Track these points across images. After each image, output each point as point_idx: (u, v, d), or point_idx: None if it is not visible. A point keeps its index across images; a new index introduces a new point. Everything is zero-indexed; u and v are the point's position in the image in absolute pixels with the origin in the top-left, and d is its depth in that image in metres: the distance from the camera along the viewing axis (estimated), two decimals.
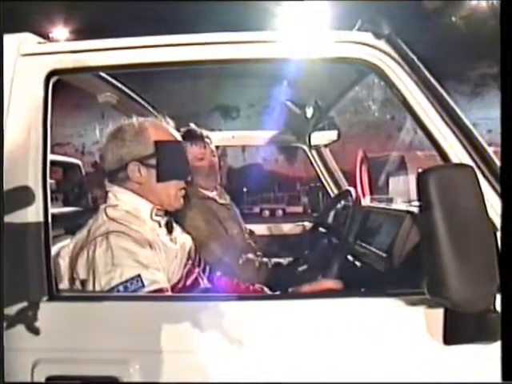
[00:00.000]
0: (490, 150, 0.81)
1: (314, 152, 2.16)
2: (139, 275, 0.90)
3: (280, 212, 11.87)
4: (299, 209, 11.68)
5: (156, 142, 1.06)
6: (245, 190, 10.84)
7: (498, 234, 0.78)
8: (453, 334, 0.72)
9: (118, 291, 0.88)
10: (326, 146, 2.05)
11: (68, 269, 0.96)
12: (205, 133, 1.64)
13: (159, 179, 1.06)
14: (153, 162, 1.05)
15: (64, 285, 0.95)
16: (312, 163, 2.20)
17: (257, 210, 11.57)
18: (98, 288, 0.90)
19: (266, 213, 11.80)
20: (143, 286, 0.89)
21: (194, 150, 1.56)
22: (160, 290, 0.92)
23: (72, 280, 0.95)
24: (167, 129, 1.12)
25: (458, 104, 0.84)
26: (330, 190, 2.18)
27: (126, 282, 0.89)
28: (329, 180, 2.19)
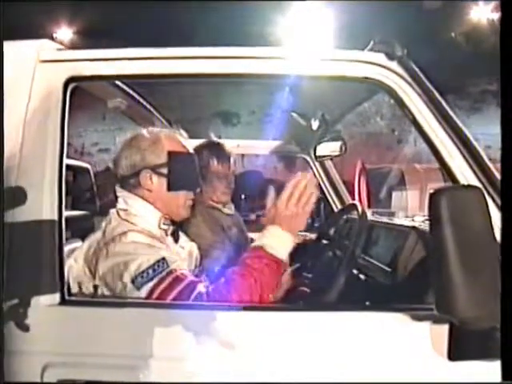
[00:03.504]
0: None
1: (317, 164, 2.18)
2: (164, 258, 0.95)
3: None
4: None
5: (169, 153, 1.10)
6: (243, 196, 10.84)
7: None
8: (458, 350, 0.74)
9: (148, 274, 0.92)
10: (331, 158, 2.07)
11: (83, 270, 0.99)
12: (231, 151, 1.65)
13: (170, 188, 1.09)
14: (164, 171, 1.09)
15: (76, 288, 0.97)
16: (315, 175, 2.22)
17: (253, 217, 11.55)
18: (127, 278, 0.92)
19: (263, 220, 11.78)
20: (168, 266, 0.94)
21: (218, 168, 1.58)
22: (182, 275, 0.95)
23: (87, 281, 0.97)
24: (180, 141, 1.16)
25: (458, 118, 0.86)
26: (332, 202, 2.20)
27: (154, 264, 0.93)
28: (331, 192, 2.21)
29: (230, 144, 1.91)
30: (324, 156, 2.00)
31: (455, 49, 12.45)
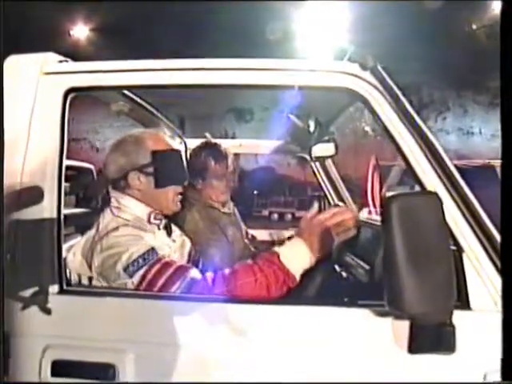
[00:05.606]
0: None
1: (317, 162, 2.23)
2: (153, 248, 1.02)
3: (289, 216, 11.89)
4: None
5: (153, 152, 1.17)
6: (255, 192, 10.92)
7: (464, 255, 0.86)
8: (415, 344, 0.79)
9: (138, 263, 0.99)
10: (325, 159, 2.13)
11: (81, 262, 1.07)
12: (228, 151, 1.71)
13: (157, 185, 1.17)
14: (151, 169, 1.16)
15: (75, 279, 1.07)
16: (315, 173, 2.27)
17: (266, 213, 11.63)
18: (119, 267, 0.99)
19: (275, 216, 11.85)
20: (157, 254, 1.01)
21: (216, 168, 1.64)
22: (171, 261, 1.02)
23: (85, 272, 1.06)
24: (164, 139, 1.24)
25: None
26: (331, 201, 2.25)
27: (144, 254, 1.00)
28: (331, 191, 2.25)
29: (231, 143, 1.99)
30: (319, 157, 2.06)
31: (475, 43, 12.16)
